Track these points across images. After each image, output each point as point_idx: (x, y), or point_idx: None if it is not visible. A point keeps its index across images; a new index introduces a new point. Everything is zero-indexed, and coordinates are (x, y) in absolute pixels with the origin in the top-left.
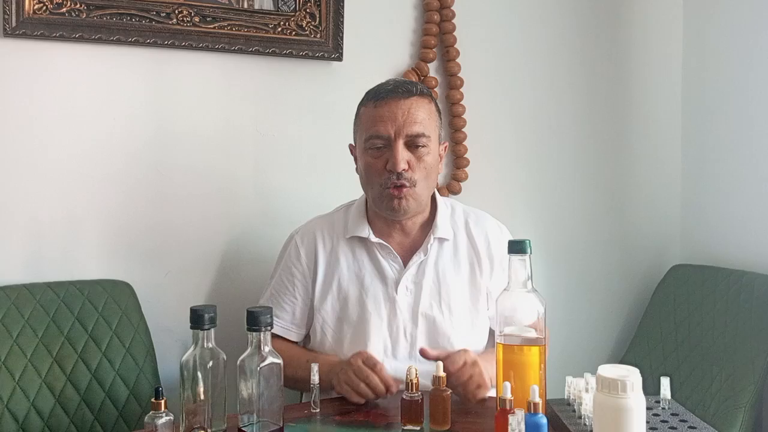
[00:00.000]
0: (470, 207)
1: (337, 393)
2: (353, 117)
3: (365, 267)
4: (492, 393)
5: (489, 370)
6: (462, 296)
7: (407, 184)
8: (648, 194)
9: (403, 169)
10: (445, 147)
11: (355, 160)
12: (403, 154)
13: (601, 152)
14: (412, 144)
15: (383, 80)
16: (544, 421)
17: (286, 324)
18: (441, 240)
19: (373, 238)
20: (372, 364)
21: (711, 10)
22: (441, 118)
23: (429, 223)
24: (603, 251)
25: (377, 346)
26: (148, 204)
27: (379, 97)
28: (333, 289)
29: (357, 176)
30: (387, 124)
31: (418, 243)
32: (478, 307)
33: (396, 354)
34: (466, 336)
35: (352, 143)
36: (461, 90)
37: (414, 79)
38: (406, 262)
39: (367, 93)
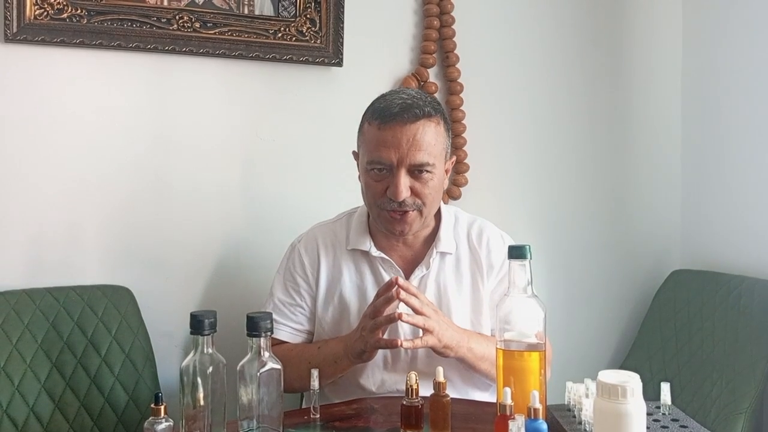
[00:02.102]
0: (475, 216)
1: (372, 349)
2: (354, 122)
3: (367, 279)
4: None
5: (457, 336)
6: (464, 311)
7: (410, 209)
8: (648, 199)
9: (405, 197)
10: (453, 161)
11: (358, 167)
12: (404, 183)
13: (601, 157)
14: (415, 171)
15: (383, 86)
16: (545, 426)
17: (292, 330)
18: (443, 254)
19: (375, 252)
20: (373, 303)
21: (710, 17)
22: (450, 134)
23: (432, 236)
24: (603, 256)
25: (377, 359)
26: (148, 209)
27: (384, 120)
28: (335, 301)
29: (358, 182)
30: (390, 150)
31: (420, 256)
32: (480, 321)
33: (396, 367)
34: None
35: (355, 150)
36: (461, 95)
37: (414, 85)
38: (408, 276)
39: (373, 107)
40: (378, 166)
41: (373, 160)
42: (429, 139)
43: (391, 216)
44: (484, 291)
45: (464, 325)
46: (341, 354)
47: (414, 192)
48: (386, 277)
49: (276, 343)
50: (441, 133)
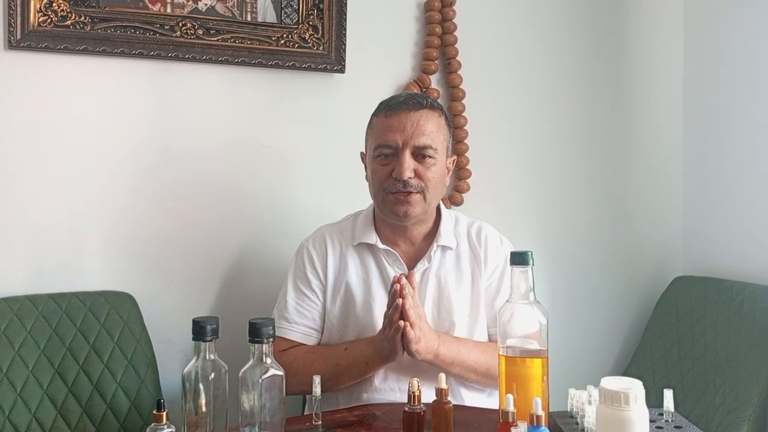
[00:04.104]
0: (474, 219)
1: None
2: (356, 128)
3: (372, 272)
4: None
5: (437, 343)
6: (463, 305)
7: (413, 190)
8: (650, 205)
9: (409, 177)
10: (453, 161)
11: (366, 167)
12: (409, 163)
13: (602, 163)
14: (419, 154)
15: (385, 92)
16: None
17: (307, 330)
18: (444, 248)
19: (380, 245)
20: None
21: (711, 24)
22: (451, 132)
23: (433, 233)
24: (605, 262)
25: None
26: (150, 215)
27: (390, 108)
28: (341, 293)
29: (360, 186)
30: (396, 134)
31: (422, 251)
32: (478, 315)
33: (399, 361)
34: None
35: (363, 151)
36: (463, 102)
37: (416, 91)
38: (411, 269)
39: (380, 104)
40: (385, 150)
41: (379, 144)
42: (432, 127)
43: (395, 198)
44: (482, 285)
45: (462, 317)
46: (372, 354)
47: (417, 174)
48: (390, 270)
49: (291, 347)
50: (442, 126)
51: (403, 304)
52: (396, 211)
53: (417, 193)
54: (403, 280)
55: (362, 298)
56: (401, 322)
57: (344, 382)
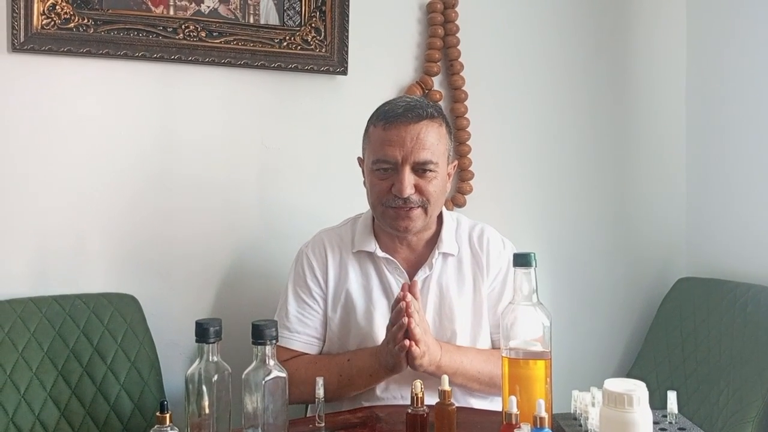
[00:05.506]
0: (476, 221)
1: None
2: (358, 130)
3: (372, 280)
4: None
5: (439, 355)
6: (465, 312)
7: (414, 205)
8: (653, 206)
9: (410, 194)
10: (455, 166)
11: (363, 173)
12: (409, 180)
13: (605, 164)
14: (419, 169)
15: (388, 94)
16: None
17: (309, 339)
18: (445, 255)
19: (380, 253)
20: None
21: (714, 26)
22: (452, 138)
23: (434, 239)
24: (608, 264)
25: None
26: (153, 217)
27: (389, 120)
28: (342, 301)
29: (362, 189)
30: (395, 149)
31: (423, 258)
32: (481, 322)
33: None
34: None
35: (361, 157)
36: (465, 103)
37: (418, 93)
38: (411, 277)
39: (378, 111)
40: (384, 165)
41: (378, 158)
42: (432, 139)
43: (395, 212)
44: (485, 291)
45: (465, 326)
46: (376, 367)
47: (418, 189)
48: (390, 278)
49: (293, 356)
50: (443, 135)
51: (409, 323)
52: (396, 227)
53: (418, 207)
54: (409, 297)
55: (363, 307)
56: (406, 342)
57: (349, 393)
